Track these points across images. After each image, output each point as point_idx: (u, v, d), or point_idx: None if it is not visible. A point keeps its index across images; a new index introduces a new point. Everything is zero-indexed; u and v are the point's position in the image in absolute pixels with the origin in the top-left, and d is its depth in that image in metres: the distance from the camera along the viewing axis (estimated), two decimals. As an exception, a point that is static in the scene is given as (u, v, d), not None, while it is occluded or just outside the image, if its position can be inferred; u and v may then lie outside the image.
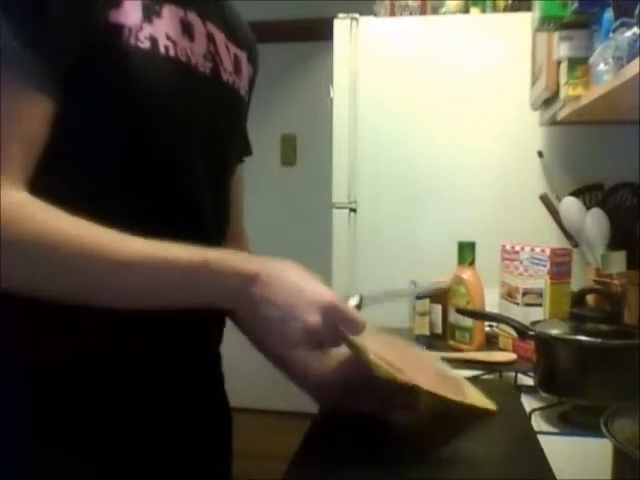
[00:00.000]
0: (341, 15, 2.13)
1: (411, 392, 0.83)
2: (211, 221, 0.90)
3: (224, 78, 0.89)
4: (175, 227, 0.80)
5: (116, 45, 0.75)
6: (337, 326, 0.76)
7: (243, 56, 0.95)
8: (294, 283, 0.76)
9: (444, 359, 1.12)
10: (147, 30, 0.77)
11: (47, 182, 0.74)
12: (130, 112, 0.78)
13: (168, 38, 0.80)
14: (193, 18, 0.84)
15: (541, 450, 0.87)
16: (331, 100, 2.15)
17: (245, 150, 1.07)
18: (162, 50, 0.79)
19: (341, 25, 2.12)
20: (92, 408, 0.80)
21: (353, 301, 0.86)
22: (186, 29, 0.83)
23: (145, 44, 0.77)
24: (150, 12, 0.78)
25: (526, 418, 1.04)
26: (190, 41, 0.83)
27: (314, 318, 0.74)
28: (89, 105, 0.76)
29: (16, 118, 0.71)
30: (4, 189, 0.69)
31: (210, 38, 0.87)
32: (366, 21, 2.14)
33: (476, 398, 0.97)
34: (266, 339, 0.78)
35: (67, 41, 0.73)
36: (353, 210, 2.14)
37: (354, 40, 2.12)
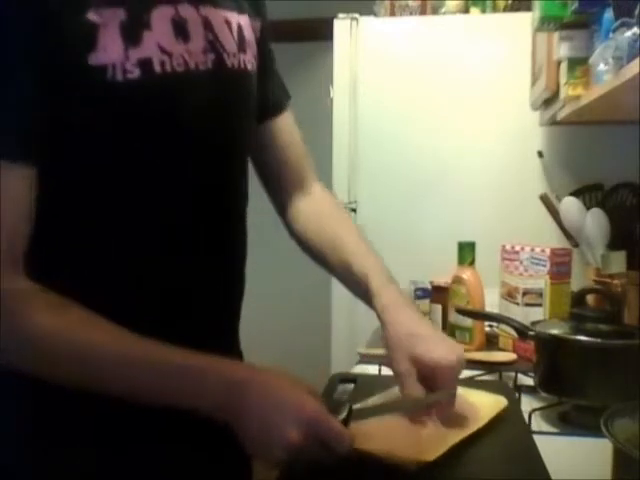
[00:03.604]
0: (341, 15, 2.13)
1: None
2: (233, 217, 0.91)
3: (228, 64, 0.86)
4: (205, 227, 0.85)
5: (103, 86, 0.74)
6: (320, 440, 0.71)
7: (245, 20, 0.91)
8: (277, 395, 0.73)
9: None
10: (134, 57, 0.75)
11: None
12: (134, 141, 0.78)
13: (163, 51, 0.77)
14: (185, 10, 0.81)
15: (536, 450, 0.87)
16: (331, 100, 2.15)
17: (284, 97, 1.05)
18: (157, 68, 0.77)
19: (341, 25, 2.12)
20: (94, 406, 0.80)
21: (341, 414, 0.77)
22: (180, 30, 0.80)
23: (134, 73, 0.75)
24: (135, 31, 0.76)
25: (522, 418, 1.04)
26: (185, 42, 0.80)
27: (294, 433, 0.70)
28: (94, 148, 0.76)
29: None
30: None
31: (207, 25, 0.83)
32: (366, 21, 2.14)
33: (489, 409, 0.96)
34: (250, 451, 0.76)
35: (32, 101, 0.72)
36: (353, 210, 2.14)
37: (354, 40, 2.12)
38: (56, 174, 0.75)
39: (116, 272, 0.81)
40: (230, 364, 0.80)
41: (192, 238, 0.85)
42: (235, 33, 0.88)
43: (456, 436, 0.86)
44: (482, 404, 0.97)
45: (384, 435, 0.85)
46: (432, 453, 0.81)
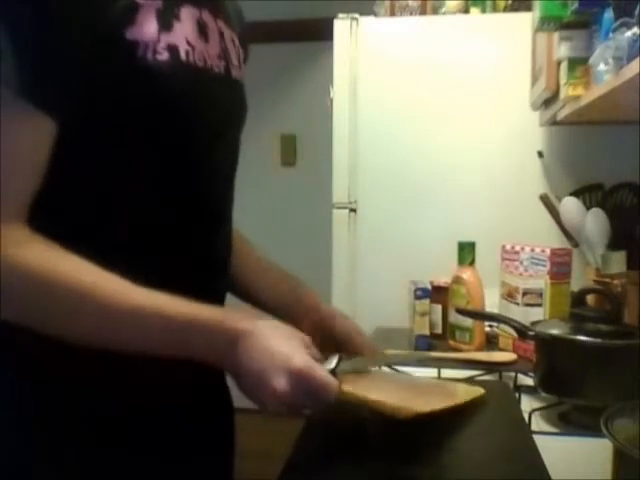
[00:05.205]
0: (341, 15, 2.13)
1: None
2: (228, 217, 0.94)
3: (233, 75, 0.91)
4: (197, 227, 0.86)
5: (132, 62, 0.76)
6: (307, 390, 0.75)
7: (238, 43, 0.96)
8: (269, 347, 0.76)
9: (440, 359, 1.12)
10: (164, 40, 0.79)
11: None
12: (149, 124, 0.79)
13: (188, 43, 0.81)
14: (207, 17, 0.86)
15: (536, 449, 0.87)
16: (331, 100, 2.15)
17: None
18: (183, 56, 0.81)
19: (341, 25, 2.12)
20: (92, 409, 0.80)
21: (330, 363, 0.82)
22: (202, 31, 0.84)
23: (163, 55, 0.78)
24: (168, 18, 0.80)
25: (521, 417, 1.04)
26: (205, 43, 0.85)
27: (282, 384, 0.74)
28: (112, 121, 0.77)
29: (15, 143, 0.72)
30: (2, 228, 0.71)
31: (221, 36, 0.89)
32: (366, 21, 2.14)
33: (465, 393, 0.98)
34: (248, 398, 0.78)
35: (68, 62, 0.73)
36: (353, 210, 2.14)
37: (354, 40, 2.12)
38: (72, 137, 0.75)
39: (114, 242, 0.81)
40: (232, 316, 0.81)
41: (184, 235, 0.86)
42: (237, 50, 0.93)
43: (440, 403, 0.89)
44: (458, 389, 1.00)
45: (375, 389, 0.87)
46: (423, 408, 0.84)
